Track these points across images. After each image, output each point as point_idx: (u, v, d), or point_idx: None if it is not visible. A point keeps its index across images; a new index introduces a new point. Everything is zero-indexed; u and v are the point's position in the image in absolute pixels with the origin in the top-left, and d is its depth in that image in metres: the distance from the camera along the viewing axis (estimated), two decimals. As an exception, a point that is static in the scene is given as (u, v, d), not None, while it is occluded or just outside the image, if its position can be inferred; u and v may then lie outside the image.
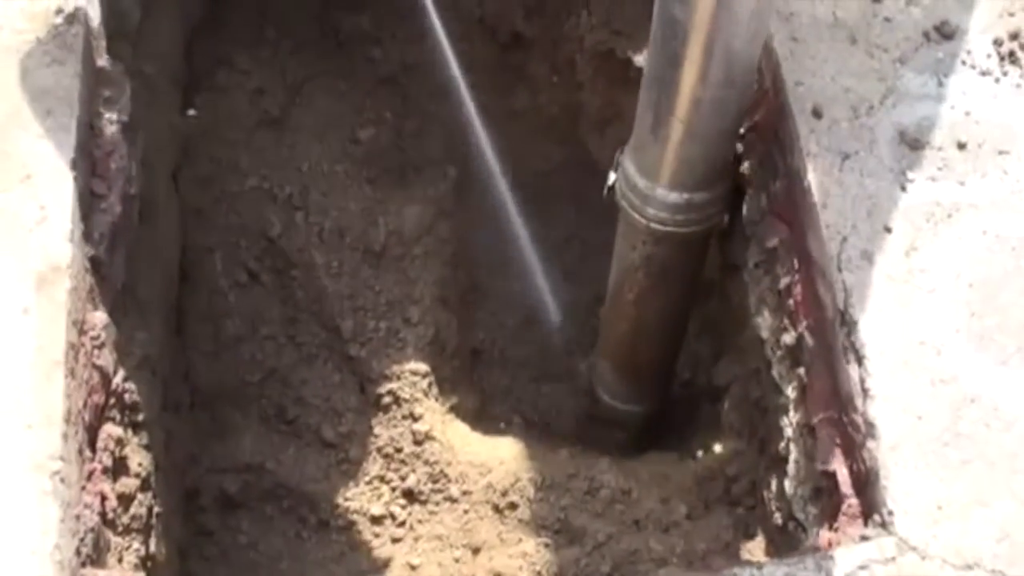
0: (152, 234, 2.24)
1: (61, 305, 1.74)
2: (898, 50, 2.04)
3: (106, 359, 1.86)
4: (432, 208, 2.77)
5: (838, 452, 1.80)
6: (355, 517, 2.45)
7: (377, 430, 2.52)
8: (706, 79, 1.85)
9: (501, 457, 2.49)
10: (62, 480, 1.61)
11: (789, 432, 1.97)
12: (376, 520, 2.45)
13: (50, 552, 1.55)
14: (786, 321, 1.99)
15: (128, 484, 1.90)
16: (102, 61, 2.07)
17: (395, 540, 2.44)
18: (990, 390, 1.73)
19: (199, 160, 2.64)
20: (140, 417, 2.01)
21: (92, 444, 1.79)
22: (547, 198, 2.96)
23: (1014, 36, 2.04)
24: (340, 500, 2.45)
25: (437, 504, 2.45)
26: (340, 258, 2.65)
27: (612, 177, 2.19)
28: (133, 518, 1.90)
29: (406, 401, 2.53)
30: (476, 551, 2.37)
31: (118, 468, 1.88)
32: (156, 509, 2.02)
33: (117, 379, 1.91)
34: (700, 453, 2.41)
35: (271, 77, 2.80)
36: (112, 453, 1.84)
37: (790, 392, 1.98)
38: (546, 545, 2.31)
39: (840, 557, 1.63)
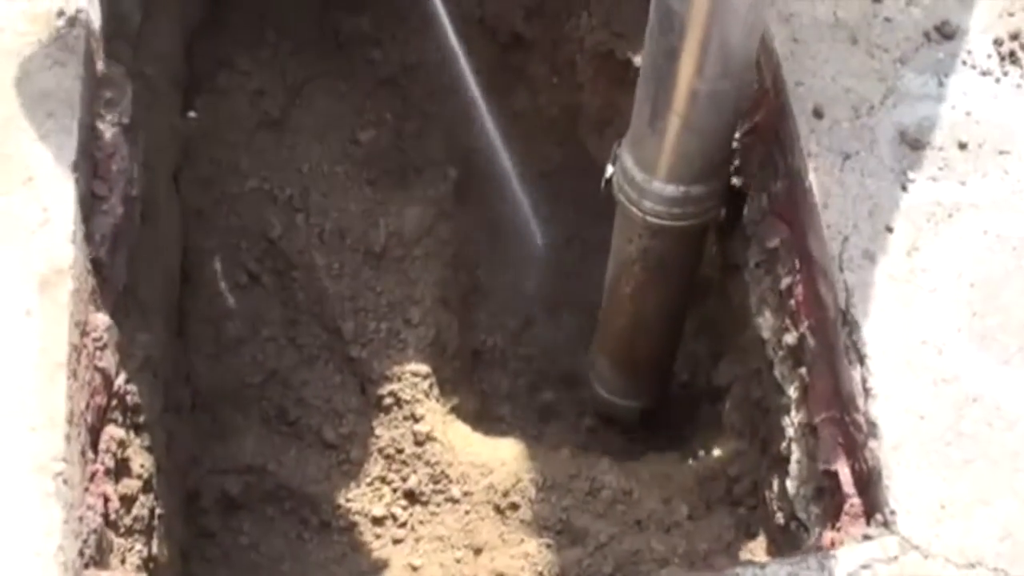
0: (153, 236, 2.24)
1: (63, 307, 1.74)
2: (899, 50, 2.05)
3: (108, 361, 1.86)
4: (432, 209, 2.77)
5: (840, 452, 1.81)
6: (356, 518, 2.44)
7: (378, 431, 2.52)
8: (703, 72, 1.86)
9: (502, 458, 2.49)
10: (65, 481, 1.62)
11: (791, 432, 1.97)
12: (377, 521, 2.45)
13: (54, 553, 1.55)
14: (787, 321, 1.99)
15: (130, 485, 1.90)
16: (103, 63, 2.08)
17: (396, 541, 2.43)
18: (992, 389, 1.73)
19: (199, 161, 2.64)
20: (142, 419, 2.01)
21: (94, 446, 1.79)
22: (547, 198, 2.96)
23: (1014, 36, 2.05)
24: (341, 501, 2.45)
25: (438, 505, 2.45)
26: (341, 259, 2.65)
27: (609, 170, 2.19)
28: (135, 519, 1.90)
29: (407, 402, 2.53)
30: (478, 552, 2.37)
31: (120, 469, 1.88)
32: (158, 510, 2.02)
33: (119, 381, 1.91)
34: (701, 453, 2.41)
35: (271, 78, 2.79)
36: (114, 455, 1.85)
37: (792, 392, 1.98)
38: (548, 546, 2.31)
39: (843, 556, 1.64)
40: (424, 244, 2.72)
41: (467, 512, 2.42)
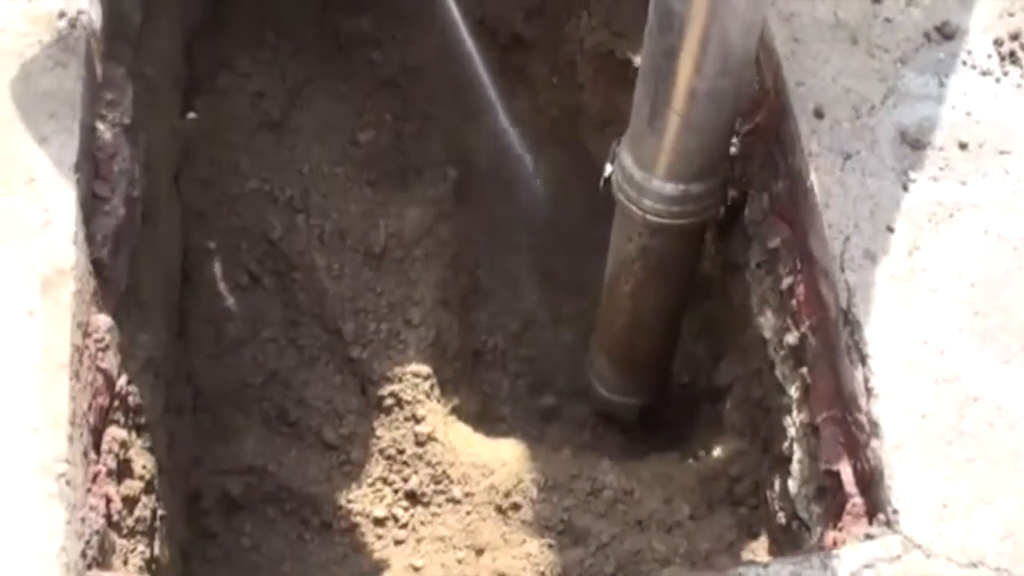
0: (154, 236, 2.24)
1: (66, 308, 1.74)
2: (899, 50, 2.05)
3: (110, 362, 1.86)
4: (432, 210, 2.77)
5: (842, 451, 1.81)
6: (357, 519, 2.44)
7: (379, 432, 2.52)
8: (702, 71, 1.86)
9: (503, 458, 2.49)
10: (68, 482, 1.62)
11: (792, 432, 1.98)
12: (379, 522, 2.44)
13: (56, 554, 1.55)
14: (789, 321, 1.99)
15: (132, 486, 1.90)
16: (104, 64, 2.08)
17: (398, 542, 2.43)
18: (993, 389, 1.74)
19: (200, 163, 2.64)
20: (144, 419, 2.01)
21: (97, 447, 1.79)
22: (548, 199, 2.96)
23: (1014, 36, 2.05)
24: (342, 502, 2.45)
25: (440, 506, 2.45)
26: (341, 260, 2.65)
27: (608, 169, 2.20)
28: (137, 520, 1.90)
29: (408, 403, 2.53)
30: (479, 552, 2.37)
31: (122, 470, 1.88)
32: (160, 511, 2.02)
33: (121, 381, 1.91)
34: (702, 453, 2.41)
35: (271, 80, 2.79)
36: (116, 455, 1.85)
37: (793, 392, 1.99)
38: (550, 546, 2.31)
39: (846, 555, 1.64)
40: (424, 245, 2.72)
41: (468, 513, 2.42)
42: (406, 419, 2.52)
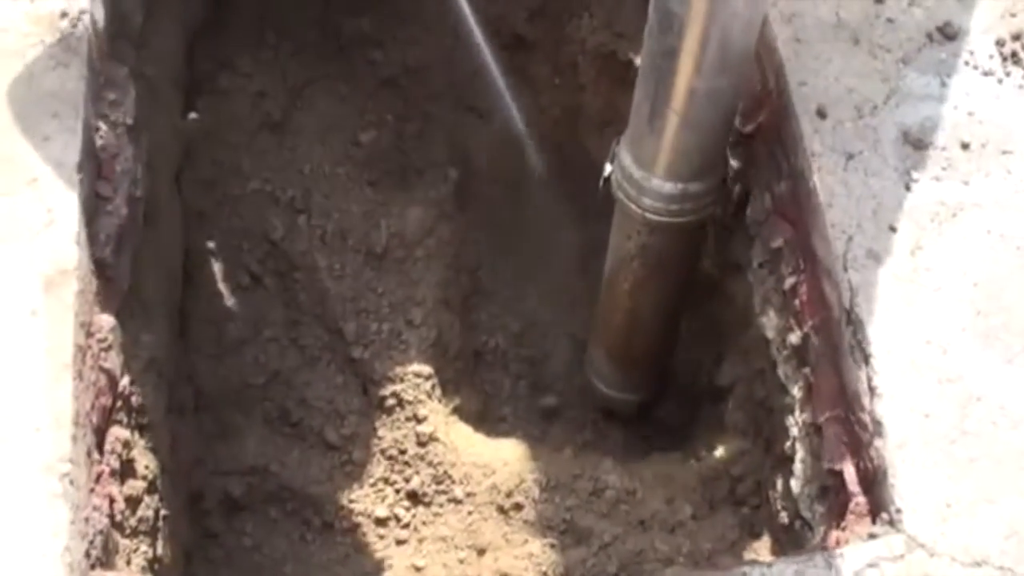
0: (155, 237, 2.24)
1: (69, 307, 1.74)
2: (901, 51, 2.05)
3: (113, 361, 1.86)
4: (434, 210, 2.77)
5: (845, 451, 1.81)
6: (359, 519, 2.44)
7: (381, 432, 2.52)
8: (701, 70, 1.87)
9: (505, 458, 2.49)
10: (71, 482, 1.62)
11: (795, 431, 1.98)
12: (380, 522, 2.44)
13: (60, 554, 1.56)
14: (791, 321, 1.99)
15: (135, 486, 1.90)
16: (106, 64, 2.08)
17: (399, 542, 2.43)
18: (996, 388, 1.74)
19: (201, 163, 2.64)
20: (146, 419, 2.01)
21: (100, 447, 1.79)
22: (549, 199, 2.97)
23: (1016, 37, 2.06)
24: (344, 502, 2.45)
25: (441, 506, 2.45)
26: (342, 260, 2.65)
27: (608, 168, 2.21)
28: (140, 520, 1.90)
29: (409, 403, 2.53)
30: (481, 552, 2.37)
31: (125, 470, 1.88)
32: (162, 511, 2.02)
33: (124, 381, 1.91)
34: (704, 453, 2.41)
35: (272, 80, 2.79)
36: (119, 455, 1.85)
37: (796, 391, 1.99)
38: (552, 546, 2.31)
39: (849, 554, 1.64)
40: (425, 245, 2.71)
41: (470, 513, 2.42)
42: (407, 419, 2.52)
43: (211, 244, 2.61)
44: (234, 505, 2.42)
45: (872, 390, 1.75)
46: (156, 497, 1.99)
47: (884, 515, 1.68)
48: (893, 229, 1.87)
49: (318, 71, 2.86)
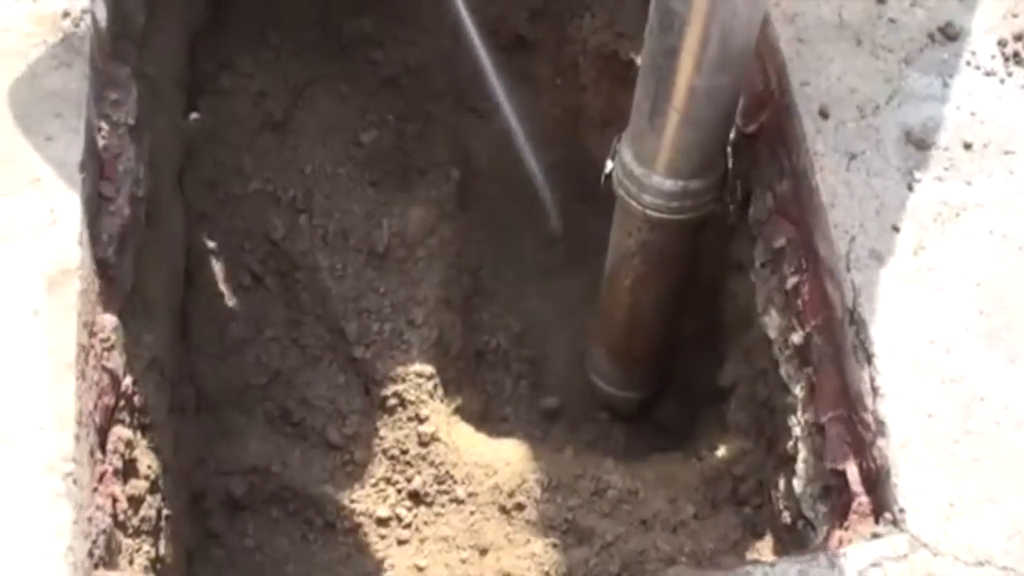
0: (157, 237, 2.24)
1: (71, 307, 1.74)
2: (903, 51, 2.06)
3: (116, 361, 1.86)
4: (435, 210, 2.77)
5: (848, 451, 1.81)
6: (361, 519, 2.44)
7: (382, 432, 2.51)
8: (702, 68, 1.88)
9: (506, 458, 2.49)
10: (75, 482, 1.62)
11: (797, 431, 1.98)
12: (382, 522, 2.44)
13: (64, 553, 1.56)
14: (794, 320, 2.00)
15: (138, 486, 1.90)
16: (108, 64, 2.08)
17: (401, 542, 2.43)
18: (1000, 388, 1.74)
19: (202, 163, 2.64)
20: (149, 419, 2.01)
21: (102, 446, 1.79)
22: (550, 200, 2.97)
23: (1018, 37, 2.06)
24: (346, 502, 2.44)
25: (443, 505, 2.45)
26: (344, 260, 2.65)
27: (609, 165, 2.22)
28: (143, 520, 1.90)
29: (411, 403, 2.53)
30: (483, 552, 2.37)
31: (128, 470, 1.88)
32: (165, 511, 2.02)
33: (126, 381, 1.91)
34: (706, 453, 2.41)
35: (273, 80, 2.79)
36: (122, 455, 1.85)
37: (798, 391, 1.99)
38: (554, 545, 2.31)
39: (853, 554, 1.64)
40: (427, 245, 2.71)
41: (472, 513, 2.42)
42: (409, 419, 2.52)
43: (212, 244, 2.61)
44: (236, 505, 2.42)
45: (875, 390, 1.75)
46: (158, 497, 1.99)
47: (887, 515, 1.68)
48: (896, 229, 1.87)
49: (319, 71, 2.86)
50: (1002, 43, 2.06)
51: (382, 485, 2.48)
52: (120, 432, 1.86)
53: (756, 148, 2.14)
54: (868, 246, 1.86)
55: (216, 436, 2.47)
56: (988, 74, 2.03)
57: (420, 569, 2.38)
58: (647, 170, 2.11)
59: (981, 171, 1.93)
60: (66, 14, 2.02)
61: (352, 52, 2.92)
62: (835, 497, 1.85)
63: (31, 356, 1.69)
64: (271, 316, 2.60)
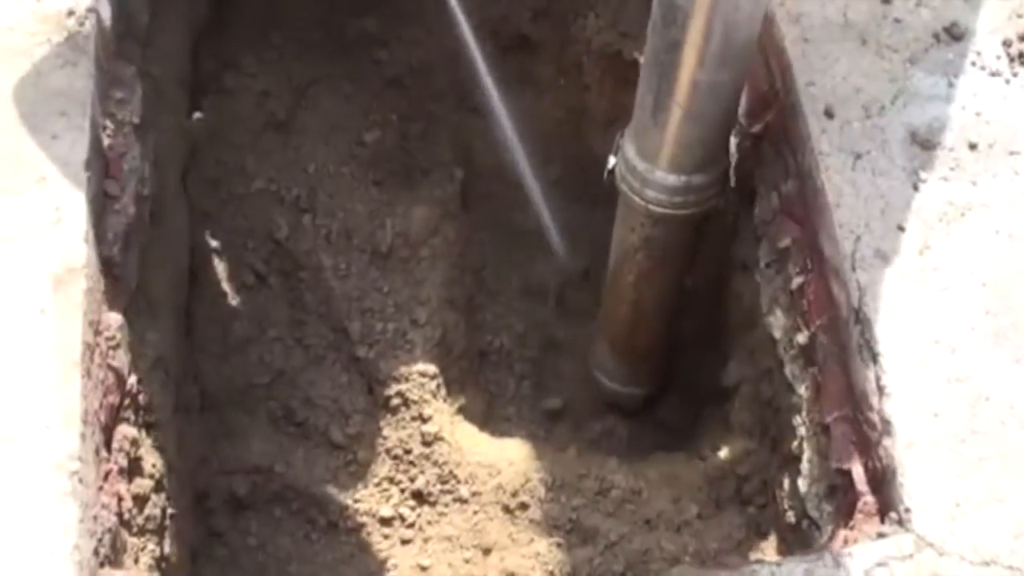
0: (162, 236, 2.24)
1: (77, 306, 1.74)
2: (908, 51, 2.06)
3: (121, 360, 1.86)
4: (438, 210, 2.77)
5: (853, 450, 1.81)
6: (364, 519, 2.44)
7: (386, 431, 2.51)
8: (705, 63, 1.89)
9: (510, 458, 2.49)
10: (80, 480, 1.62)
11: (802, 431, 1.98)
12: (385, 521, 2.44)
13: (69, 552, 1.55)
14: (799, 320, 2.00)
15: (143, 485, 1.90)
16: (113, 63, 2.08)
17: (405, 541, 2.43)
18: (1006, 388, 1.74)
19: (206, 162, 2.64)
20: (153, 418, 2.01)
21: (108, 445, 1.79)
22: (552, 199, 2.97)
23: (1023, 38, 2.06)
24: (349, 502, 2.44)
25: (447, 505, 2.45)
26: (347, 260, 2.65)
27: (612, 161, 2.22)
28: (148, 519, 1.90)
29: (414, 402, 2.53)
30: (487, 552, 2.36)
31: (133, 469, 1.88)
32: (169, 510, 2.02)
33: (131, 380, 1.91)
34: (709, 453, 2.41)
35: (277, 80, 2.79)
36: (127, 454, 1.85)
37: (803, 391, 1.99)
38: (558, 545, 2.31)
39: (858, 553, 1.64)
40: (431, 244, 2.71)
41: (476, 512, 2.42)
42: (413, 419, 2.52)
43: (216, 243, 2.61)
44: (239, 504, 2.42)
45: (881, 389, 1.75)
46: (163, 496, 1.99)
47: (893, 514, 1.68)
48: (901, 229, 1.87)
49: (322, 71, 2.86)
50: (1007, 43, 2.07)
51: (385, 485, 2.48)
52: (125, 431, 1.85)
53: (761, 148, 2.14)
54: (873, 246, 1.86)
55: (219, 435, 2.47)
56: (993, 74, 2.04)
57: (423, 569, 2.38)
58: (650, 165, 2.12)
59: (986, 171, 1.93)
60: (71, 13, 2.02)
61: (355, 52, 2.92)
62: (840, 497, 1.84)
63: (37, 354, 1.69)
64: (274, 315, 2.60)
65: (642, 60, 2.04)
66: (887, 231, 1.87)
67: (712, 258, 2.44)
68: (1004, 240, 1.86)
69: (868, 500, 1.76)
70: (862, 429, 1.79)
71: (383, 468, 2.49)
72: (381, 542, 2.43)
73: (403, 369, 2.55)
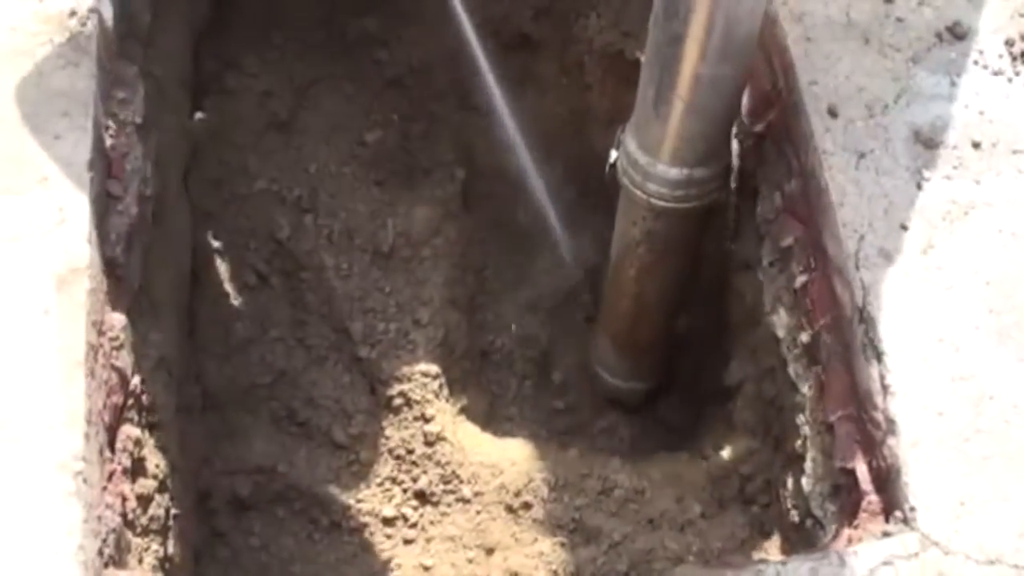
0: (164, 236, 2.24)
1: (81, 306, 1.74)
2: (911, 50, 2.06)
3: (124, 360, 1.86)
4: (440, 210, 2.77)
5: (857, 449, 1.81)
6: (367, 519, 2.44)
7: (388, 431, 2.51)
8: (706, 56, 1.89)
9: (512, 458, 2.49)
10: (84, 480, 1.61)
11: (806, 430, 1.98)
12: (388, 521, 2.44)
13: (74, 552, 1.55)
14: (802, 319, 2.00)
15: (146, 485, 1.90)
16: (115, 63, 2.07)
17: (407, 541, 2.43)
18: (1010, 386, 1.74)
19: (208, 163, 2.64)
20: (156, 418, 2.01)
21: (111, 445, 1.79)
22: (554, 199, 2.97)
23: (1026, 36, 2.06)
24: (352, 502, 2.44)
25: (449, 505, 2.45)
26: (349, 260, 2.65)
27: (613, 155, 2.23)
28: (151, 519, 1.90)
29: (417, 402, 2.53)
30: (490, 551, 2.36)
31: (136, 469, 1.87)
32: (173, 511, 2.02)
33: (135, 380, 1.91)
34: (712, 453, 2.41)
35: (278, 80, 2.79)
36: (131, 454, 1.84)
37: (806, 390, 1.99)
38: (562, 545, 2.31)
39: (864, 552, 1.64)
40: (432, 244, 2.72)
41: (478, 512, 2.42)
42: (415, 419, 2.52)
43: (218, 244, 2.61)
44: (241, 505, 2.42)
45: (885, 388, 1.75)
46: (167, 496, 1.99)
47: (898, 513, 1.68)
48: (905, 228, 1.87)
49: (324, 71, 2.86)
50: (1009, 43, 2.07)
51: (388, 485, 2.47)
52: (129, 431, 1.85)
53: (764, 147, 2.14)
54: (877, 245, 1.86)
55: (222, 436, 2.47)
56: (996, 73, 2.04)
57: (426, 568, 2.38)
58: (652, 159, 2.13)
59: (990, 170, 1.93)
60: (72, 13, 2.02)
61: (357, 52, 2.92)
62: (844, 496, 1.84)
63: (41, 355, 1.68)
64: (276, 316, 2.59)
65: (644, 53, 2.04)
66: (891, 230, 1.87)
67: (714, 257, 2.44)
68: (1007, 239, 1.86)
69: (872, 499, 1.76)
70: (866, 428, 1.79)
71: (386, 468, 2.49)
72: (384, 542, 2.43)
73: (405, 369, 2.55)
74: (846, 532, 1.78)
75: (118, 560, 1.69)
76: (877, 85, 2.01)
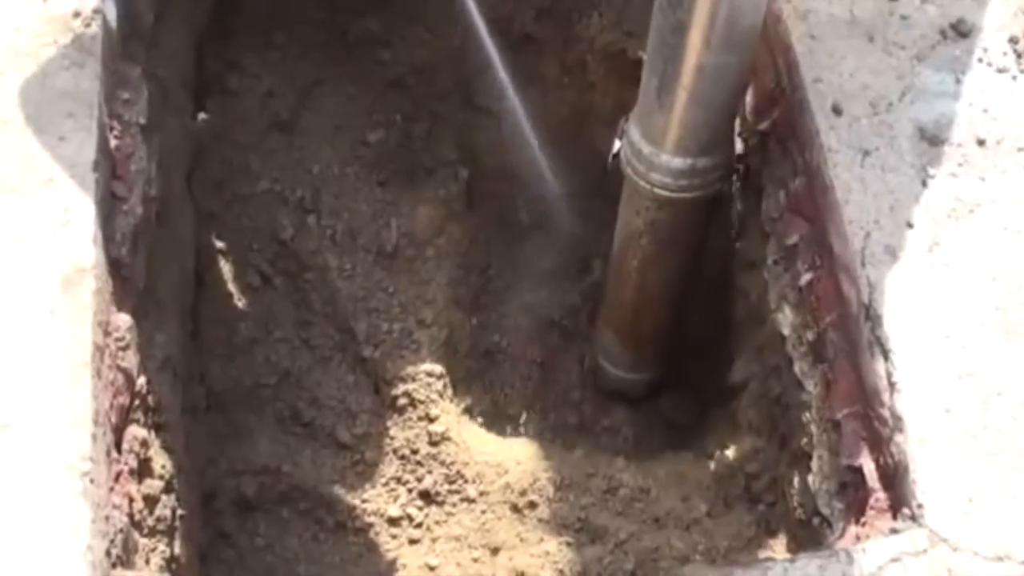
0: (168, 237, 2.24)
1: (86, 306, 1.74)
2: (915, 48, 2.06)
3: (130, 361, 1.86)
4: (443, 209, 2.77)
5: (864, 446, 1.81)
6: (372, 519, 2.44)
7: (393, 431, 2.51)
8: (710, 45, 1.89)
9: (517, 457, 2.49)
10: (92, 481, 1.61)
11: (812, 428, 1.98)
12: (393, 521, 2.44)
13: (82, 552, 1.55)
14: (808, 317, 2.00)
15: (153, 485, 1.90)
16: (119, 63, 2.07)
17: (412, 541, 2.43)
18: (1016, 383, 1.74)
19: (211, 163, 2.64)
20: (162, 419, 2.01)
21: (118, 445, 1.79)
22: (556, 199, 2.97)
23: (1030, 34, 2.06)
24: (357, 502, 2.44)
25: (454, 505, 2.44)
26: (353, 260, 2.65)
27: (617, 145, 2.22)
28: (158, 520, 1.90)
29: (421, 402, 2.53)
30: (495, 551, 2.36)
31: (143, 469, 1.87)
32: (179, 511, 2.02)
33: (140, 381, 1.91)
34: (717, 451, 2.41)
35: (281, 80, 2.79)
36: (137, 454, 1.84)
37: (812, 388, 1.99)
38: (568, 544, 2.31)
39: (872, 550, 1.64)
40: (436, 244, 2.72)
41: (484, 512, 2.42)
42: (420, 418, 2.52)
43: (221, 244, 2.61)
44: (246, 505, 2.42)
45: (892, 385, 1.75)
46: (173, 496, 1.99)
47: (906, 510, 1.68)
48: (910, 225, 1.87)
49: (326, 71, 2.86)
50: (1014, 40, 2.07)
51: (393, 485, 2.47)
52: (135, 431, 1.85)
53: (768, 145, 2.14)
54: (883, 242, 1.86)
55: (226, 436, 2.47)
56: (1000, 71, 2.04)
57: (432, 568, 2.38)
58: (655, 148, 2.13)
59: (995, 167, 1.93)
60: (77, 14, 2.01)
61: (359, 52, 2.92)
62: (851, 493, 1.84)
63: (47, 356, 1.68)
64: (280, 316, 2.59)
65: (648, 43, 2.04)
66: (896, 227, 1.87)
67: (718, 255, 2.44)
68: (1013, 235, 1.86)
69: (880, 496, 1.76)
70: (873, 425, 1.79)
71: (390, 468, 2.49)
72: (389, 542, 2.43)
73: (409, 369, 2.55)
74: (853, 530, 1.78)
75: (125, 560, 1.69)
76: (882, 83, 2.01)
